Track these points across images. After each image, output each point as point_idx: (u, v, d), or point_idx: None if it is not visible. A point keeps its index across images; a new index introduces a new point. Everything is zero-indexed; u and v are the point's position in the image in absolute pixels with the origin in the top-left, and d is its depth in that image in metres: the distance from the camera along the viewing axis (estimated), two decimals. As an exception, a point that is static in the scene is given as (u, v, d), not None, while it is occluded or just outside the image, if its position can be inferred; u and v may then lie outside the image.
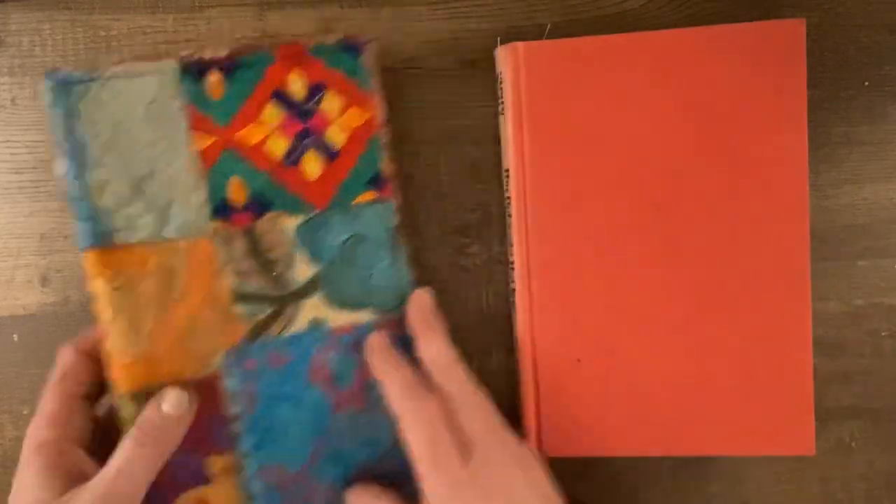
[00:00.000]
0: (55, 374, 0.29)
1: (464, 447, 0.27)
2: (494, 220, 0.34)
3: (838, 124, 0.32)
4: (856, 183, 0.32)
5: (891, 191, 0.32)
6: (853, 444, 0.34)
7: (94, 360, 0.29)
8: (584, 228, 0.31)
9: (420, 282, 0.32)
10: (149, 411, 0.28)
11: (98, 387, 0.30)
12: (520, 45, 0.30)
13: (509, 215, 0.32)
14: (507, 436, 0.28)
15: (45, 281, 0.35)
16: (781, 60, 0.29)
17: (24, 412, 0.36)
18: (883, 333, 0.33)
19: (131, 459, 0.26)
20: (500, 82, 0.31)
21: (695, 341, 0.30)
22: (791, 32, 0.29)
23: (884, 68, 0.32)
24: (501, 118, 0.32)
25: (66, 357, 0.29)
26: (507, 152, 0.32)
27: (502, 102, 0.31)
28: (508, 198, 0.32)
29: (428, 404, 0.28)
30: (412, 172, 0.34)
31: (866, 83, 0.32)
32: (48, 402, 0.28)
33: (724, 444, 0.31)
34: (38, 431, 0.27)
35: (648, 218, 0.30)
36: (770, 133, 0.30)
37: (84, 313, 0.35)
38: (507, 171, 0.32)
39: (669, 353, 0.31)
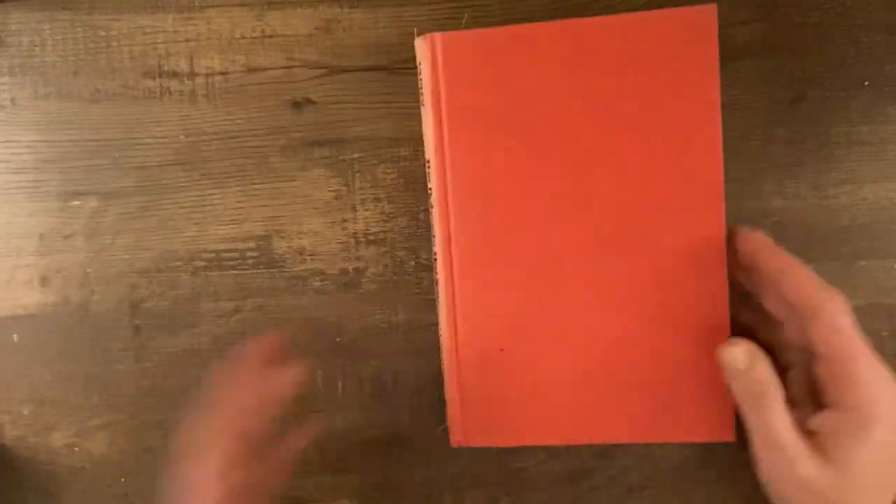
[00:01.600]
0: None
1: None
2: (494, 220, 0.34)
3: (838, 124, 0.32)
4: (856, 183, 0.32)
5: (891, 191, 0.32)
6: (853, 444, 0.34)
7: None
8: (503, 218, 0.31)
9: (420, 281, 0.32)
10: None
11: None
12: (437, 35, 0.31)
13: (431, 206, 0.32)
14: None
15: (45, 281, 0.35)
16: (692, 48, 0.29)
17: (24, 412, 0.35)
18: (883, 333, 0.33)
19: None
20: (419, 73, 0.31)
21: (617, 329, 0.30)
22: (702, 19, 0.29)
23: (884, 68, 0.32)
24: (422, 109, 0.32)
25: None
26: (427, 143, 0.32)
27: (422, 93, 0.31)
28: (430, 189, 0.32)
29: (838, 293, 0.27)
30: (412, 172, 0.34)
31: (866, 83, 0.32)
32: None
33: (650, 432, 0.31)
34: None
35: (567, 206, 0.30)
36: (683, 119, 0.29)
37: (84, 313, 0.36)
38: (428, 161, 0.32)
39: (591, 341, 0.31)
